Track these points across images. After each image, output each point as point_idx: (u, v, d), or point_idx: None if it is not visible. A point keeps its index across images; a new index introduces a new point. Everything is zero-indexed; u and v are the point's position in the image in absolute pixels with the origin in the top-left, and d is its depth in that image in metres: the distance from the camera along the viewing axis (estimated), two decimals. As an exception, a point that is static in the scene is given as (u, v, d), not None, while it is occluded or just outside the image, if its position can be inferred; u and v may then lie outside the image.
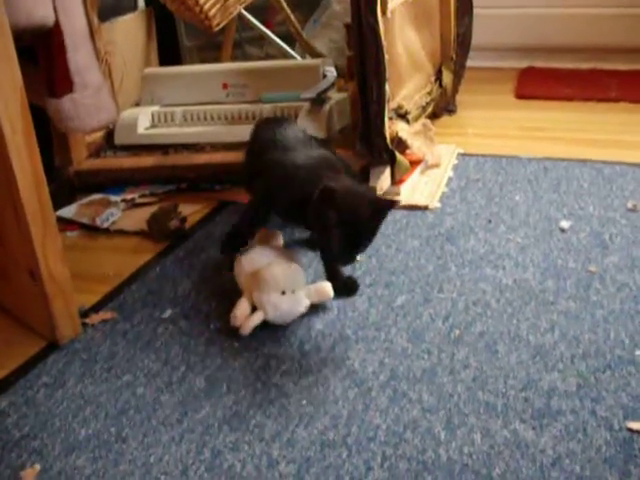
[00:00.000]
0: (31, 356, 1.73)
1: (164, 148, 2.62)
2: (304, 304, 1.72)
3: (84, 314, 1.84)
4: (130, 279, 2.00)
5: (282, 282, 1.70)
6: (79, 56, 2.22)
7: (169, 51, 3.27)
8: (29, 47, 2.16)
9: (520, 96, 3.18)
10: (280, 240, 1.95)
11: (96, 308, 1.88)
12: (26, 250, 1.68)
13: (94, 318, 1.83)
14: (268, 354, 1.63)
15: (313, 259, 1.94)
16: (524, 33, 3.54)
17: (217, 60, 3.14)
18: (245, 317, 1.70)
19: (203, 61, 3.30)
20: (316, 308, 1.76)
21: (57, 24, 2.14)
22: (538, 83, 3.31)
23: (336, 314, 1.74)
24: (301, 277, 1.74)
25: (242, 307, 1.72)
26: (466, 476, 1.27)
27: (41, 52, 2.20)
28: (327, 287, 1.76)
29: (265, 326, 1.70)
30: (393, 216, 2.18)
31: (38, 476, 1.37)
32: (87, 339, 1.76)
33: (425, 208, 2.22)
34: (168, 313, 1.82)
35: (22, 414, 1.54)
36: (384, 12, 2.17)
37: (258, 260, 1.77)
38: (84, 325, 1.80)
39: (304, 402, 1.47)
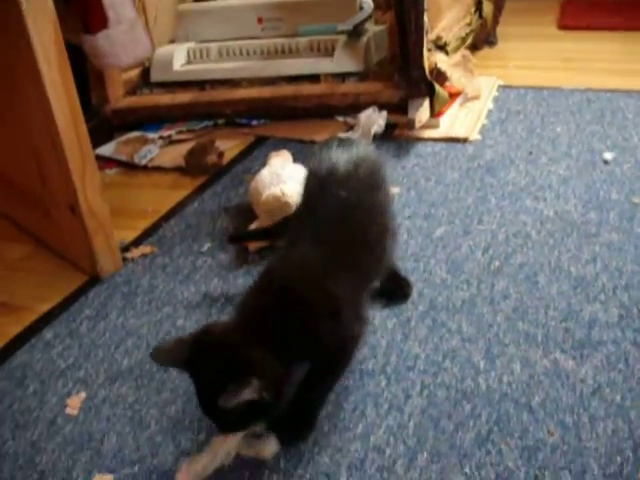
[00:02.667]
0: (74, 290, 1.76)
1: (200, 84, 2.61)
2: None
3: (125, 249, 1.86)
4: (169, 214, 2.02)
5: (278, 210, 1.72)
6: (113, -9, 2.21)
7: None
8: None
9: (563, 27, 3.10)
10: (289, 158, 1.95)
11: (136, 243, 1.90)
12: (66, 186, 1.69)
13: (134, 252, 1.84)
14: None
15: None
16: (567, -39, 3.43)
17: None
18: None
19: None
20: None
21: (90, -42, 2.12)
22: (581, 13, 3.22)
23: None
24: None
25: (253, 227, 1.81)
26: (505, 405, 1.27)
27: (75, -12, 2.19)
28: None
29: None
30: (432, 148, 2.15)
31: (83, 403, 1.40)
32: (127, 273, 1.78)
33: (464, 140, 2.18)
34: (207, 247, 1.83)
35: (66, 345, 1.57)
36: (422, -61, 2.11)
37: (262, 184, 1.80)
38: (124, 260, 1.82)
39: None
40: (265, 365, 1.13)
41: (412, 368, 1.37)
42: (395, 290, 1.55)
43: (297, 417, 1.24)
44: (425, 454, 1.19)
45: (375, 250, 1.34)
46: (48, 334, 1.61)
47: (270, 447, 1.22)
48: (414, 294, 1.56)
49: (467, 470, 1.16)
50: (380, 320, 1.49)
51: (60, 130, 1.62)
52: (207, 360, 1.13)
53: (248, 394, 1.08)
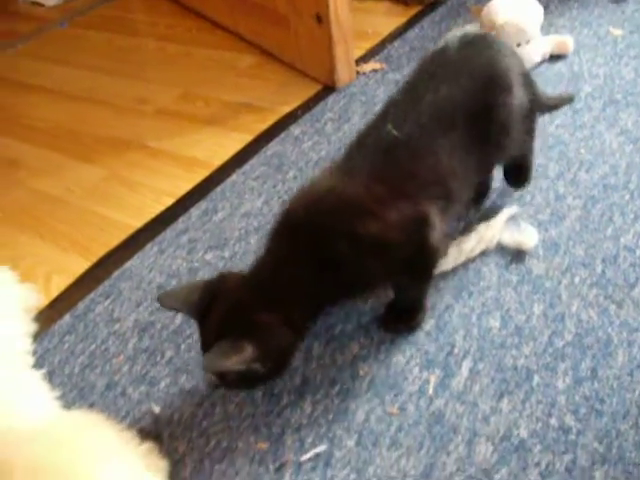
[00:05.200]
0: (311, 96, 1.89)
1: None
2: (540, 54, 1.85)
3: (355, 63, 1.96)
4: (390, 37, 2.11)
5: (515, 36, 1.79)
6: None
7: None
8: None
9: None
10: None
11: (364, 60, 2.00)
12: (316, -7, 1.79)
13: (365, 67, 1.96)
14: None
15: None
16: None
17: None
18: None
19: None
20: (582, 74, 1.82)
21: None
22: None
23: (603, 80, 1.79)
24: (534, 29, 1.82)
25: None
26: None
27: None
28: (568, 41, 1.88)
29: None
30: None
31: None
32: (361, 85, 1.90)
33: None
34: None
35: (315, 141, 1.72)
36: None
37: (496, 9, 1.84)
38: (356, 73, 1.94)
39: (582, 151, 1.57)
40: (269, 333, 1.03)
41: (654, 188, 1.46)
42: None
43: (404, 310, 1.23)
44: (675, 259, 1.30)
45: (456, 178, 1.15)
46: (296, 131, 1.76)
47: (531, 240, 1.35)
48: (648, 125, 1.63)
49: None
50: (617, 145, 1.57)
51: None
52: (212, 313, 1.05)
53: (235, 362, 0.98)
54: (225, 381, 1.07)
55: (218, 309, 1.04)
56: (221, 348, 0.98)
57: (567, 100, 1.60)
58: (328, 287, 1.07)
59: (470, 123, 1.15)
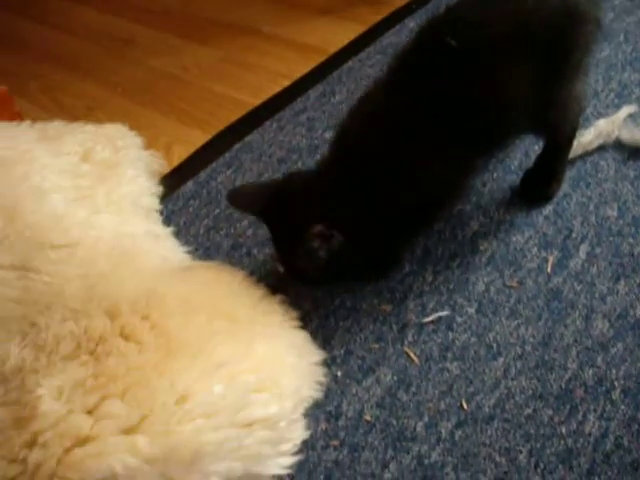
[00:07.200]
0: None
1: None
2: None
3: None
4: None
5: None
6: None
7: None
8: None
9: None
10: None
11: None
12: None
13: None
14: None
15: None
16: None
17: None
18: None
19: None
20: None
21: None
22: None
23: None
24: None
25: None
26: None
27: None
28: None
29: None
30: None
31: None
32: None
33: None
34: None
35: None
36: None
37: None
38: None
39: (703, 58, 1.57)
40: (339, 209, 1.04)
41: None
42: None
43: None
44: None
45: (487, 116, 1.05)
46: (411, 23, 1.78)
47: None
48: None
49: None
50: None
51: None
52: (278, 209, 1.07)
53: (313, 242, 1.02)
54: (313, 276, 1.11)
55: (283, 205, 1.07)
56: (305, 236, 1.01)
57: None
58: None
59: (547, 54, 1.05)
